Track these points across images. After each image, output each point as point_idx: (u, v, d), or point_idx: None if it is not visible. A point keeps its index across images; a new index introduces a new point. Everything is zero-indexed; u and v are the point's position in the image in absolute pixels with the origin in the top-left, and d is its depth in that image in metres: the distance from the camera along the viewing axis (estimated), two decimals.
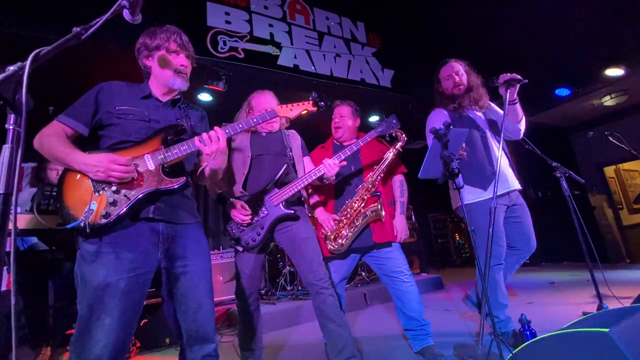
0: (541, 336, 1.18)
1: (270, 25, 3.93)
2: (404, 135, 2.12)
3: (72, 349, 1.04)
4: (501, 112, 1.96)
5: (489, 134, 2.07)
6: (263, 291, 3.78)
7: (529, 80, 1.78)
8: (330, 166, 1.77)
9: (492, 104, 2.19)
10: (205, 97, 3.95)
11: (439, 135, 1.45)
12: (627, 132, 3.38)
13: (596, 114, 5.55)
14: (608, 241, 5.50)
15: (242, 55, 3.62)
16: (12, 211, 0.61)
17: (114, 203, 1.11)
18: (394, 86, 4.71)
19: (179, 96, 1.40)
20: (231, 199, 1.77)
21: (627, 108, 5.25)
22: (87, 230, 1.06)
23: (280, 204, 1.74)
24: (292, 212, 1.75)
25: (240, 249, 1.74)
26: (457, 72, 2.10)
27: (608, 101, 5.03)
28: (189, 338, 1.21)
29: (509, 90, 1.78)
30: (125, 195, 1.13)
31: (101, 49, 3.02)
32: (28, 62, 0.65)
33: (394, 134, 2.11)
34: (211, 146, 1.23)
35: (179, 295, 1.20)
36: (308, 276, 1.71)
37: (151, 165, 1.18)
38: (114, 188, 1.12)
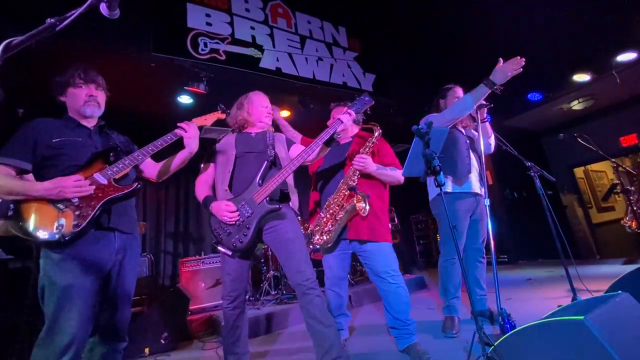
0: (520, 327, 1.22)
1: (252, 28, 3.92)
2: (378, 128, 2.18)
3: (39, 342, 1.21)
4: (476, 133, 2.40)
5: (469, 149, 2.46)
6: (247, 296, 3.71)
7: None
8: (347, 118, 1.81)
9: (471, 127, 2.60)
10: (185, 99, 3.88)
11: (421, 133, 1.49)
12: (594, 135, 3.58)
13: (565, 118, 5.84)
14: (579, 238, 5.77)
15: (223, 57, 3.58)
16: None
17: (80, 215, 1.31)
18: (375, 90, 4.78)
19: (102, 123, 1.62)
20: (215, 202, 1.74)
21: (593, 112, 5.56)
22: (62, 240, 1.25)
23: (264, 201, 1.70)
24: (277, 207, 1.72)
25: (229, 252, 1.69)
26: (459, 97, 2.47)
27: (576, 105, 5.30)
28: (106, 335, 1.42)
29: (479, 112, 2.25)
30: (89, 206, 1.33)
31: (71, 50, 2.92)
32: None
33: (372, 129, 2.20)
34: (189, 132, 1.61)
35: (109, 303, 1.42)
36: (295, 276, 1.69)
37: (103, 180, 1.39)
38: (76, 203, 1.31)
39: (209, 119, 1.77)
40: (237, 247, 1.66)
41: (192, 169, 1.98)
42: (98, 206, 1.34)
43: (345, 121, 1.80)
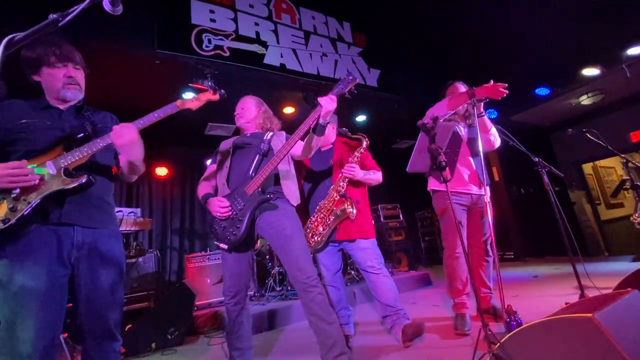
0: (527, 324, 1.21)
1: (256, 24, 3.90)
2: (366, 139, 2.35)
3: (1, 350, 1.09)
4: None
5: (465, 148, 2.40)
6: (251, 292, 3.73)
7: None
8: (328, 101, 1.69)
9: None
10: (189, 96, 3.83)
11: (427, 128, 1.47)
12: (603, 130, 3.50)
13: (574, 113, 5.74)
14: (587, 235, 5.69)
15: (227, 54, 3.57)
16: None
17: (13, 209, 1.13)
18: (380, 86, 4.74)
19: (80, 103, 1.43)
20: (210, 198, 1.78)
21: (602, 107, 5.45)
22: None
23: (256, 192, 1.71)
24: (268, 197, 1.73)
25: (225, 246, 1.71)
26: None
27: (585, 100, 5.21)
28: (91, 334, 1.29)
29: (476, 106, 2.17)
30: (25, 200, 1.15)
31: (74, 47, 2.94)
32: (1, 48, 0.62)
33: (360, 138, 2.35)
34: (123, 138, 1.28)
35: (85, 301, 1.26)
36: (295, 274, 1.69)
37: (52, 170, 1.21)
38: (14, 195, 1.14)
39: (195, 102, 1.53)
40: (231, 240, 1.67)
41: (198, 166, 2.01)
42: (36, 200, 1.15)
43: (323, 104, 1.70)
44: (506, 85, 1.99)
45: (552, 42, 4.33)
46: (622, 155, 3.67)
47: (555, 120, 6.06)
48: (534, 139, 5.83)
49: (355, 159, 2.28)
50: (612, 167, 7.12)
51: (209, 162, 2.04)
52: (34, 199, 1.16)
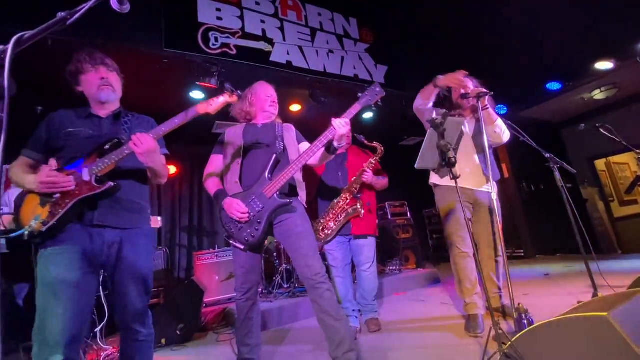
0: (539, 323, 1.19)
1: (262, 22, 3.90)
2: (382, 148, 2.64)
3: (34, 337, 1.20)
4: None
5: (471, 142, 2.36)
6: (260, 289, 3.75)
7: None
8: (341, 125, 1.65)
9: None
10: (197, 94, 3.90)
11: (436, 124, 1.44)
12: (616, 125, 3.42)
13: (586, 108, 5.62)
14: (600, 233, 5.58)
15: (234, 52, 3.58)
16: None
17: (52, 212, 1.28)
18: (387, 82, 4.70)
19: (119, 110, 1.54)
20: (227, 198, 1.74)
21: (616, 101, 5.32)
22: (28, 237, 1.25)
23: (275, 195, 1.70)
24: (288, 201, 1.72)
25: (242, 246, 1.71)
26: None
27: (598, 95, 5.08)
28: (121, 325, 1.46)
29: (479, 100, 2.11)
30: (60, 205, 1.29)
31: (83, 46, 2.97)
32: (10, 46, 0.62)
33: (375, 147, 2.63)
34: (141, 147, 1.34)
35: (114, 294, 1.43)
36: (304, 271, 1.69)
37: (86, 176, 1.33)
38: (53, 200, 1.29)
39: (214, 105, 1.50)
40: (249, 242, 1.68)
41: (206, 164, 1.96)
42: (67, 206, 1.28)
43: (336, 127, 1.66)
44: (467, 73, 2.05)
45: (564, 36, 4.23)
46: (637, 151, 3.58)
47: (567, 116, 5.94)
48: (545, 135, 5.73)
49: (371, 165, 2.56)
50: (626, 163, 6.95)
51: (212, 154, 1.94)
52: (67, 204, 1.29)
